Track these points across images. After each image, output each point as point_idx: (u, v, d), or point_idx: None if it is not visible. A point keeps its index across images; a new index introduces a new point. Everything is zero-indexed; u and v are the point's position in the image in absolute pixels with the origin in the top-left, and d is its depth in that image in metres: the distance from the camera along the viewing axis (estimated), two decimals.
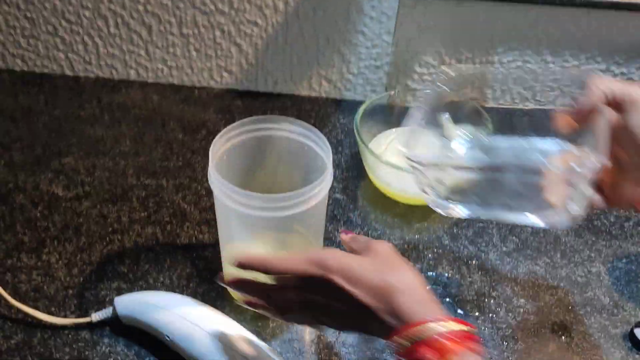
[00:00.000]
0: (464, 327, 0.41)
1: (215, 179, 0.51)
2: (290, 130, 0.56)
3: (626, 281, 0.64)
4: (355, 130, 0.70)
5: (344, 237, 0.50)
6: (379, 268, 0.43)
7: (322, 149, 0.55)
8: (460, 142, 0.60)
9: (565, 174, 0.47)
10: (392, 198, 0.72)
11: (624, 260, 0.64)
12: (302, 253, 0.45)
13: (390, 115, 0.78)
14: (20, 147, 0.76)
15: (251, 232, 0.55)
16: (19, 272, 0.61)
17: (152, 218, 0.68)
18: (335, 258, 0.44)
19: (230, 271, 0.52)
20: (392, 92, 0.78)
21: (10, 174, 0.72)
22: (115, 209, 0.69)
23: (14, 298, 0.57)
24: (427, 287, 0.44)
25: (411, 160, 0.51)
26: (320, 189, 0.51)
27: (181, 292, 0.60)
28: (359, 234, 0.68)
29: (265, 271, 0.46)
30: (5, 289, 0.57)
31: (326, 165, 0.53)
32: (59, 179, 0.72)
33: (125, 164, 0.74)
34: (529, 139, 0.55)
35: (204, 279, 0.62)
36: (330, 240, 0.67)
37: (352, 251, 0.47)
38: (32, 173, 0.72)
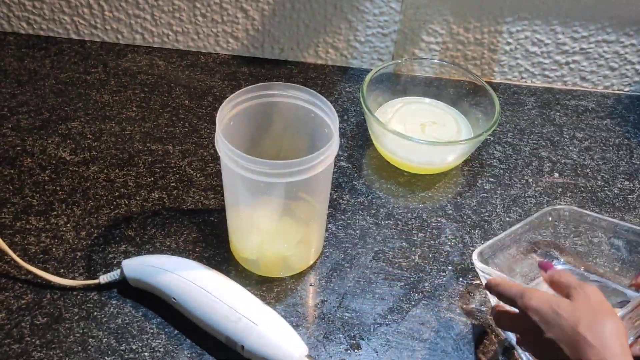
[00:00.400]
0: None
1: (222, 145, 0.51)
2: (297, 97, 0.56)
3: (628, 252, 0.64)
4: (361, 98, 0.69)
5: (544, 275, 0.51)
6: (578, 316, 0.44)
7: (328, 116, 0.55)
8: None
9: None
10: (397, 167, 0.72)
11: (626, 232, 0.64)
12: (518, 285, 0.50)
13: (396, 84, 0.78)
14: (27, 110, 0.76)
15: (257, 198, 0.55)
16: (28, 234, 0.62)
17: (158, 183, 0.68)
18: (537, 298, 0.47)
19: None
20: (400, 61, 0.78)
21: (18, 138, 0.72)
22: (122, 173, 0.69)
23: (23, 259, 0.58)
24: (627, 341, 0.44)
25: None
26: (327, 156, 0.51)
27: (187, 257, 0.61)
28: (363, 202, 0.68)
29: (493, 291, 0.52)
30: (14, 251, 0.58)
31: (332, 132, 0.53)
32: (66, 143, 0.72)
33: (132, 129, 0.75)
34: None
35: (209, 244, 0.63)
36: (335, 208, 0.68)
37: (556, 287, 0.49)
38: (39, 137, 0.73)
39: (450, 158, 0.70)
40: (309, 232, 0.60)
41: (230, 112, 0.55)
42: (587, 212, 0.61)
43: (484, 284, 0.57)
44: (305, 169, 0.50)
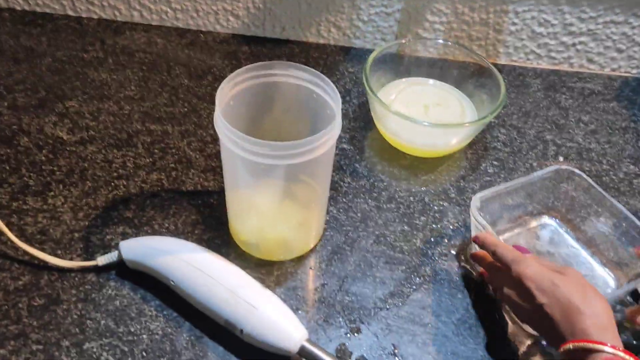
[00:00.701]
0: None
1: (222, 125, 0.50)
2: (299, 77, 0.55)
3: (595, 241, 0.63)
4: (364, 79, 0.68)
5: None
6: (569, 288, 0.48)
7: (330, 97, 0.54)
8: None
9: None
10: (400, 149, 0.71)
11: (594, 220, 0.63)
12: (515, 251, 0.52)
13: (400, 65, 0.76)
14: (23, 89, 0.75)
15: (257, 180, 0.54)
16: (25, 215, 0.61)
17: (157, 164, 0.67)
18: (533, 267, 0.50)
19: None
20: (403, 41, 0.76)
21: (14, 117, 0.71)
22: (120, 154, 0.68)
23: (21, 240, 0.57)
24: (613, 317, 0.47)
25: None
26: (328, 138, 0.50)
27: (186, 239, 0.60)
28: (364, 185, 0.67)
29: (488, 250, 0.55)
30: (11, 231, 0.58)
31: (334, 113, 0.52)
32: (63, 123, 0.71)
33: (130, 109, 0.74)
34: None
35: (209, 226, 0.62)
36: (336, 191, 0.67)
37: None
38: (36, 116, 0.71)
39: (454, 141, 0.69)
40: (310, 215, 0.59)
41: (230, 92, 0.54)
42: (590, 180, 0.62)
43: (473, 233, 0.59)
44: (306, 151, 0.49)
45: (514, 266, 0.51)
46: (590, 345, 0.44)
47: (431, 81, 0.77)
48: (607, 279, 0.60)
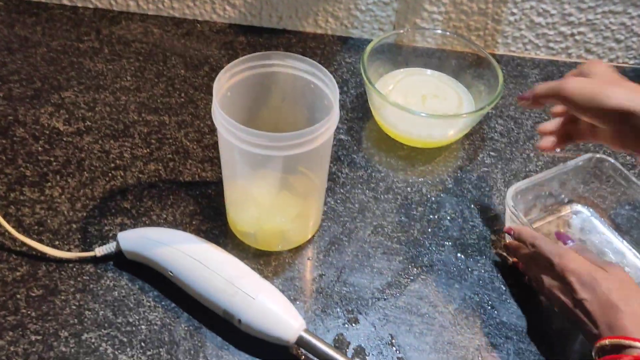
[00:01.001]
0: None
1: (220, 116, 0.50)
2: (296, 67, 0.55)
3: (627, 228, 0.64)
4: (361, 69, 0.68)
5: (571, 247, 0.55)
6: (610, 286, 0.48)
7: (328, 88, 0.54)
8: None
9: None
10: (397, 140, 0.71)
11: (627, 207, 0.64)
12: (556, 245, 0.53)
13: (398, 55, 0.76)
14: (18, 79, 0.74)
15: (255, 170, 0.54)
16: (21, 206, 0.61)
17: (154, 155, 0.67)
18: (576, 261, 0.50)
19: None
20: (401, 31, 0.76)
21: (10, 107, 0.71)
22: (117, 144, 0.68)
23: (18, 231, 0.57)
24: None
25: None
26: (327, 129, 0.50)
27: (184, 230, 0.60)
28: (362, 176, 0.67)
29: (529, 244, 0.55)
30: (8, 222, 0.57)
31: (332, 104, 0.52)
32: (59, 113, 0.71)
33: (127, 99, 0.73)
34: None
35: (207, 217, 0.62)
36: (333, 182, 0.67)
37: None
38: (31, 106, 0.71)
39: (451, 132, 0.69)
40: (307, 206, 0.59)
41: (227, 82, 0.53)
42: (622, 168, 0.63)
43: (507, 224, 0.60)
44: (304, 142, 0.49)
45: (557, 259, 0.51)
46: (626, 341, 0.44)
47: (429, 72, 0.77)
48: (639, 265, 0.61)
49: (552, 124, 0.58)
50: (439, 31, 0.77)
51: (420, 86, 0.74)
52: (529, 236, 0.55)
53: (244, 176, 0.56)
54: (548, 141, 0.57)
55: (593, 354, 0.47)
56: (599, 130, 0.53)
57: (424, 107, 0.71)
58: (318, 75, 0.54)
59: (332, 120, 0.51)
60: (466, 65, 0.75)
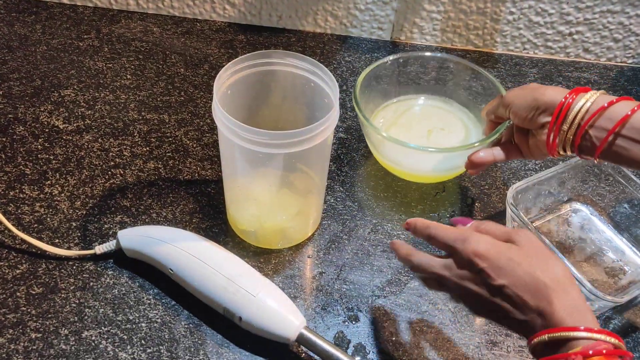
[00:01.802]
0: (614, 341, 0.39)
1: (220, 114, 0.50)
2: (297, 66, 0.55)
3: (626, 226, 0.64)
4: (354, 101, 0.62)
5: (465, 228, 0.47)
6: (529, 262, 0.42)
7: (328, 86, 0.54)
8: None
9: None
10: (401, 177, 0.67)
11: (626, 205, 0.64)
12: (455, 229, 0.45)
13: (395, 84, 0.71)
14: (18, 77, 0.74)
15: (255, 168, 0.55)
16: (21, 204, 0.61)
17: (154, 153, 0.67)
18: (483, 242, 0.43)
19: None
20: (397, 56, 0.69)
21: (10, 105, 0.71)
22: (117, 143, 0.68)
23: (18, 229, 0.57)
24: (576, 285, 0.42)
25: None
26: (326, 127, 0.50)
27: (184, 228, 0.60)
28: (361, 174, 0.67)
29: (423, 236, 0.47)
30: (8, 220, 0.57)
31: (332, 102, 0.52)
32: (59, 111, 0.71)
33: (126, 97, 0.73)
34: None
35: (206, 215, 0.62)
36: (333, 180, 0.67)
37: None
38: (31, 105, 0.71)
39: (459, 165, 0.62)
40: (307, 204, 0.59)
41: (227, 80, 0.54)
42: (623, 168, 0.63)
43: (508, 223, 0.60)
44: (304, 140, 0.49)
45: (460, 245, 0.43)
46: (565, 333, 0.39)
47: (433, 99, 0.72)
48: (639, 263, 0.62)
49: (487, 155, 0.57)
50: (439, 54, 0.71)
51: (424, 118, 0.70)
52: (423, 226, 0.47)
53: (244, 174, 0.56)
54: (475, 171, 0.58)
55: (529, 350, 0.42)
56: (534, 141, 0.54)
57: (428, 141, 0.66)
58: (318, 74, 0.54)
59: (332, 118, 0.51)
60: (475, 93, 0.69)
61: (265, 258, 0.59)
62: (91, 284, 0.56)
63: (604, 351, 0.38)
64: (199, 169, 0.66)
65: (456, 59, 0.70)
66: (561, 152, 0.52)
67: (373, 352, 0.53)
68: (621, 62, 0.86)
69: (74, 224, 0.60)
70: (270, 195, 0.58)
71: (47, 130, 0.68)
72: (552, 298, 0.40)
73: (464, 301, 0.45)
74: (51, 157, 0.66)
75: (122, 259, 0.57)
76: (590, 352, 0.38)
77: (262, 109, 0.59)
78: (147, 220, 0.61)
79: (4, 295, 0.54)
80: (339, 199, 0.65)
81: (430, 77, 0.71)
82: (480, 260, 0.42)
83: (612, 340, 0.39)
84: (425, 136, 0.67)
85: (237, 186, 0.57)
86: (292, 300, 0.53)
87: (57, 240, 0.59)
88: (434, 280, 0.47)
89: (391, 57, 0.69)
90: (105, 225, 0.60)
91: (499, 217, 0.65)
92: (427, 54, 0.71)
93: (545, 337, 0.40)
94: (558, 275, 0.41)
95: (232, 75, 0.54)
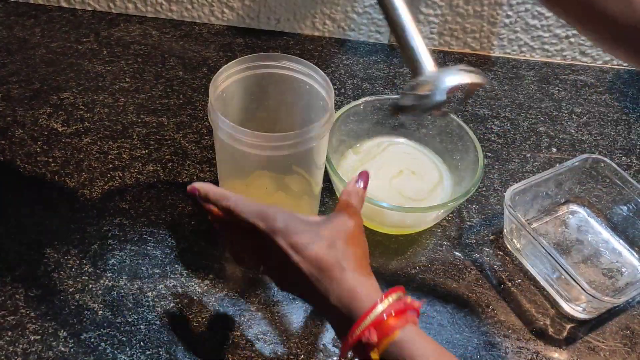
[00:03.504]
0: (395, 296, 0.39)
1: (215, 116, 0.50)
2: (291, 69, 0.55)
3: (623, 227, 0.64)
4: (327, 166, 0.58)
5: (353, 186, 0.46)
6: (329, 237, 0.41)
7: (324, 88, 0.54)
8: None
9: None
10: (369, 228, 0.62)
11: (623, 207, 0.64)
12: (257, 204, 0.42)
13: (375, 124, 0.68)
14: (17, 80, 0.74)
15: (250, 171, 0.55)
16: (20, 206, 0.61)
17: (153, 155, 0.67)
18: (284, 220, 0.41)
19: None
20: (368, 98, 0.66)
21: (8, 108, 0.71)
22: (115, 145, 0.68)
23: (16, 231, 0.57)
24: (368, 261, 0.42)
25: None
26: (322, 130, 0.51)
27: (183, 229, 0.60)
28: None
29: (220, 207, 0.44)
30: (7, 222, 0.57)
31: (328, 104, 0.52)
32: (58, 114, 0.71)
33: (125, 100, 0.73)
34: None
35: (205, 217, 0.62)
36: (329, 182, 0.67)
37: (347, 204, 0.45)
38: (30, 107, 0.71)
39: (427, 219, 0.61)
40: (304, 206, 0.59)
41: (223, 82, 0.54)
42: (617, 168, 0.64)
43: (506, 225, 0.60)
44: (299, 142, 0.49)
45: (261, 223, 0.42)
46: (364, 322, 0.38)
47: (412, 144, 0.69)
48: (635, 264, 0.62)
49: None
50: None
51: (398, 159, 0.67)
52: (220, 197, 0.43)
53: (239, 176, 0.56)
54: None
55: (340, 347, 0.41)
56: None
57: (391, 185, 0.64)
58: (313, 76, 0.54)
59: (327, 121, 0.51)
60: (447, 141, 0.66)
61: None
62: (90, 286, 0.56)
63: (393, 312, 0.38)
64: (197, 171, 0.66)
65: None
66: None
67: None
68: (617, 65, 0.86)
69: (72, 226, 0.60)
70: (265, 198, 0.58)
71: (46, 133, 0.69)
72: (336, 274, 0.39)
73: (269, 275, 0.45)
74: (50, 160, 0.66)
75: (122, 259, 0.57)
76: (384, 316, 0.38)
77: (258, 111, 0.59)
78: (145, 222, 0.61)
79: (3, 298, 0.54)
80: (336, 201, 0.65)
81: (411, 120, 0.68)
82: (277, 236, 0.41)
83: (398, 294, 0.39)
84: (395, 176, 0.64)
85: (233, 188, 0.57)
86: (290, 301, 0.53)
87: (56, 243, 0.59)
88: (239, 254, 0.46)
89: (367, 99, 0.66)
90: (104, 228, 0.60)
91: (497, 218, 0.65)
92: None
93: (353, 334, 0.39)
94: (353, 253, 0.41)
95: (228, 78, 0.54)
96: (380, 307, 0.39)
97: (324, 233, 0.41)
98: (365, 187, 0.46)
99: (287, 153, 0.49)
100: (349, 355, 0.40)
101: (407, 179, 0.64)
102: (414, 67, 0.43)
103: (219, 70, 0.53)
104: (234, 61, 0.54)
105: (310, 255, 0.40)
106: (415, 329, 0.39)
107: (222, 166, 0.56)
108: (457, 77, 0.43)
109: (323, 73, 0.53)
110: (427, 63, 0.43)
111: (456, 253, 0.62)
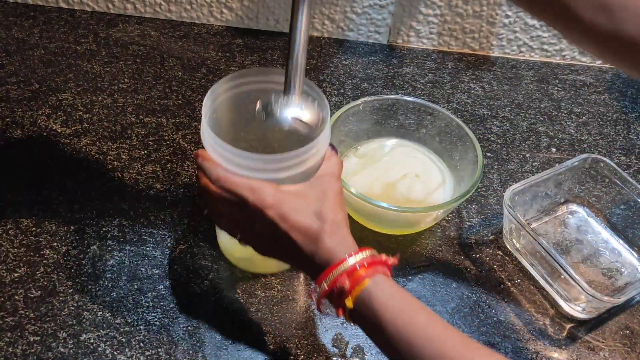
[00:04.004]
0: (368, 252, 0.45)
1: (209, 137, 0.46)
2: (281, 83, 0.50)
3: (622, 227, 0.64)
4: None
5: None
6: (313, 203, 0.46)
7: (319, 104, 0.50)
8: None
9: None
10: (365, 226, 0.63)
11: (623, 207, 0.64)
12: (246, 180, 0.46)
13: (375, 124, 0.68)
14: (16, 81, 0.74)
15: None
16: (19, 207, 0.61)
17: (152, 156, 0.67)
18: (273, 194, 0.45)
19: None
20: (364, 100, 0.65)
21: (7, 109, 0.71)
22: (114, 146, 0.68)
23: (16, 232, 0.57)
24: (347, 226, 0.47)
25: None
26: (318, 149, 0.47)
27: (182, 230, 0.60)
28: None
29: (210, 177, 0.47)
30: (5, 224, 0.57)
31: (322, 119, 0.49)
32: (56, 115, 0.71)
33: (124, 101, 0.73)
34: None
35: (204, 218, 0.62)
36: None
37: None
38: (29, 108, 0.71)
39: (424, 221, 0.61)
40: None
41: (215, 101, 0.50)
42: (617, 168, 0.64)
43: (505, 225, 0.61)
44: (297, 163, 0.46)
45: (250, 195, 0.45)
46: (336, 270, 0.44)
47: (415, 146, 0.68)
48: (635, 264, 0.62)
49: None
50: (433, 105, 0.67)
51: (402, 161, 0.66)
52: (211, 168, 0.47)
53: None
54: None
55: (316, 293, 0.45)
56: None
57: (395, 188, 0.63)
58: (306, 91, 0.50)
59: (323, 140, 0.47)
60: (447, 141, 0.66)
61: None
62: (89, 286, 0.56)
63: (366, 264, 0.44)
64: (196, 171, 0.66)
65: (433, 106, 0.66)
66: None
67: (371, 353, 0.53)
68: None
69: (72, 227, 0.60)
70: None
71: (45, 133, 0.69)
72: (325, 239, 0.45)
73: (246, 241, 0.49)
74: (49, 161, 0.66)
75: (121, 261, 0.57)
76: (357, 266, 0.43)
77: (250, 127, 0.55)
78: (145, 222, 0.61)
79: (2, 299, 0.54)
80: None
81: (410, 121, 0.68)
82: (267, 209, 0.45)
83: (367, 252, 0.45)
84: (398, 180, 0.64)
85: None
86: (290, 302, 0.53)
87: (55, 244, 0.59)
88: (225, 219, 0.49)
89: (366, 99, 0.66)
90: (104, 229, 0.60)
91: (496, 218, 0.65)
92: (408, 98, 0.67)
93: (327, 280, 0.44)
94: (336, 216, 0.46)
95: (218, 98, 0.50)
96: (352, 260, 0.44)
97: (310, 201, 0.46)
98: (337, 153, 0.51)
99: (285, 175, 0.46)
100: (323, 302, 0.45)
101: (408, 183, 0.64)
102: (286, 85, 0.46)
103: (210, 89, 0.49)
104: (223, 78, 0.50)
105: (298, 223, 0.45)
106: (384, 278, 0.44)
107: None
108: (297, 115, 0.47)
109: (318, 88, 0.50)
110: (296, 89, 0.46)
111: (456, 253, 0.62)
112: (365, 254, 0.44)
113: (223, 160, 0.47)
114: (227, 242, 0.58)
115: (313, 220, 0.45)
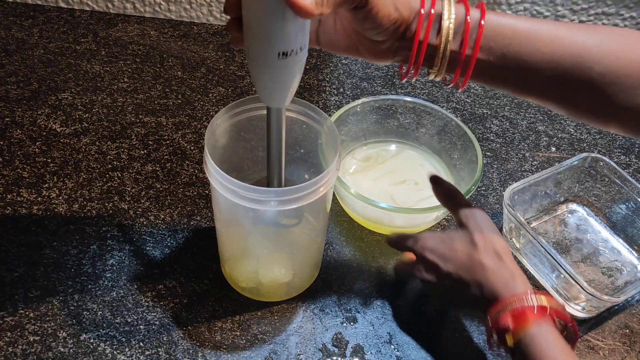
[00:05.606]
0: (546, 302, 0.45)
1: (213, 170, 0.45)
2: (289, 109, 0.50)
3: (622, 226, 0.64)
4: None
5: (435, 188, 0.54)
6: (468, 242, 0.49)
7: (323, 131, 0.50)
8: None
9: None
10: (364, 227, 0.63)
11: (622, 205, 0.64)
12: (406, 234, 0.52)
13: (371, 125, 0.68)
14: (15, 81, 0.74)
15: (253, 224, 0.51)
16: (19, 207, 0.61)
17: (151, 156, 0.67)
18: (427, 238, 0.51)
19: None
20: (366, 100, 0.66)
21: (7, 109, 0.71)
22: (114, 145, 0.68)
23: (16, 232, 0.57)
24: (513, 257, 0.48)
25: None
26: (328, 179, 0.46)
27: (182, 230, 0.60)
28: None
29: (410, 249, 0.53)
30: (6, 223, 0.57)
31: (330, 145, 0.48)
32: (56, 115, 0.71)
33: (124, 100, 0.73)
34: None
35: (204, 217, 0.62)
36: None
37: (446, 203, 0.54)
38: (28, 108, 0.71)
39: (424, 221, 0.62)
40: (311, 250, 0.56)
41: (217, 130, 0.50)
42: (616, 167, 0.64)
43: (505, 224, 0.61)
44: (307, 194, 0.45)
45: (415, 246, 0.52)
46: (505, 303, 0.45)
47: (415, 148, 0.69)
48: (635, 263, 0.62)
49: None
50: (429, 104, 0.67)
51: (400, 167, 0.67)
52: (393, 241, 0.55)
53: (241, 232, 0.52)
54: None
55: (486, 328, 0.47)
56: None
57: (396, 192, 0.64)
58: (310, 115, 0.51)
59: (330, 174, 0.47)
60: (446, 141, 0.67)
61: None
62: (89, 286, 0.56)
63: (535, 309, 0.44)
64: (196, 171, 0.66)
65: (432, 105, 0.67)
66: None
67: (372, 352, 0.53)
68: None
69: (72, 227, 0.60)
70: (269, 250, 0.54)
71: (44, 133, 0.69)
72: (487, 274, 0.47)
73: (428, 288, 0.54)
74: (49, 160, 0.66)
75: (121, 260, 0.57)
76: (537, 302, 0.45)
77: (257, 155, 0.55)
78: (145, 222, 0.61)
79: (2, 299, 0.54)
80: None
81: (410, 120, 0.68)
82: (430, 254, 0.50)
83: (543, 299, 0.45)
84: (398, 184, 0.64)
85: (234, 244, 0.54)
86: (292, 300, 0.53)
87: (55, 244, 0.59)
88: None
89: (366, 99, 0.66)
90: (103, 228, 0.60)
91: (496, 218, 0.65)
92: (407, 98, 0.67)
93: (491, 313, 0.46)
94: (494, 243, 0.48)
95: (221, 125, 0.50)
96: (527, 299, 0.45)
97: (463, 238, 0.50)
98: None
99: (296, 206, 0.45)
100: (493, 337, 0.46)
101: (407, 189, 0.64)
102: (268, 179, 0.47)
103: (212, 120, 0.48)
104: (225, 107, 0.50)
105: (461, 260, 0.48)
106: (550, 328, 0.44)
107: (221, 221, 0.52)
108: (279, 220, 0.50)
109: (323, 112, 0.49)
110: (277, 182, 0.47)
111: None
112: (543, 298, 0.45)
113: (235, 197, 0.45)
114: (232, 272, 0.56)
115: (471, 257, 0.48)
